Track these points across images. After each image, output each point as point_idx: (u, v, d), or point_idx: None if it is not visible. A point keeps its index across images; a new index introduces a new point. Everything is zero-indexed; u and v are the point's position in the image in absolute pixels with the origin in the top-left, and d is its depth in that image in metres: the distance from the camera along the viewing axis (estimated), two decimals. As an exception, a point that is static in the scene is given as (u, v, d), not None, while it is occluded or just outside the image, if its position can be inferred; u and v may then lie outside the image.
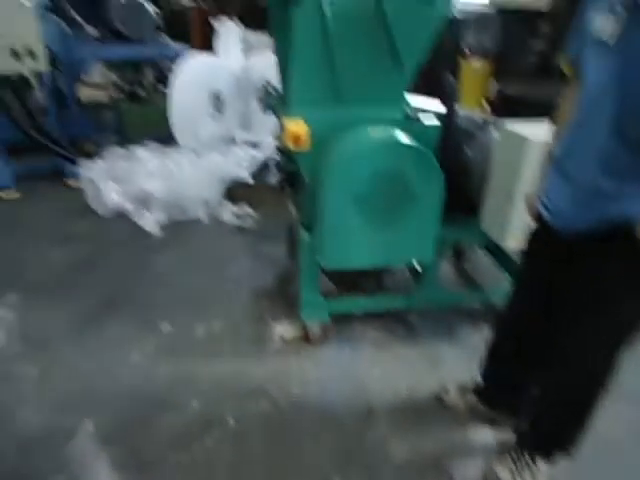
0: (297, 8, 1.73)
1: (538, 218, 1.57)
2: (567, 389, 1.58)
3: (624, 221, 1.29)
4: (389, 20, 1.76)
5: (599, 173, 1.31)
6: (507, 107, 4.20)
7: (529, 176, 1.88)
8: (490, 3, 5.04)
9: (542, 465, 1.67)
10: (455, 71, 5.19)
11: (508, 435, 1.89)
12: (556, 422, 1.63)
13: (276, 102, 2.22)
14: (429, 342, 2.45)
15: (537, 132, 1.93)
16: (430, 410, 2.05)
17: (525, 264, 1.71)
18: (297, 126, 1.86)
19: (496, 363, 1.92)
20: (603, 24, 1.25)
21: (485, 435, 1.95)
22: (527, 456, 1.68)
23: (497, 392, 1.93)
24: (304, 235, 2.14)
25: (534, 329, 1.70)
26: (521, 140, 1.94)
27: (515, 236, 2.06)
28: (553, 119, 1.61)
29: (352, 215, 1.89)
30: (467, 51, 5.31)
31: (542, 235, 1.56)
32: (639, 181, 1.27)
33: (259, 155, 4.04)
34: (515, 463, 1.68)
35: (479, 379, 1.99)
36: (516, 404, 1.85)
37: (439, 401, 2.06)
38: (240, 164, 3.92)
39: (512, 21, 4.98)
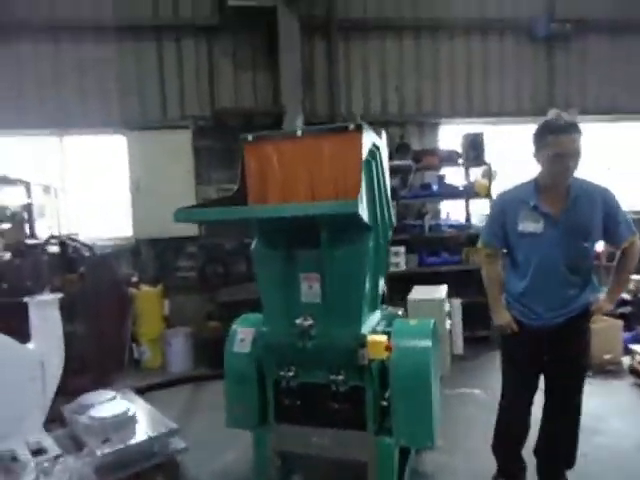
0: (371, 230, 2.18)
1: (516, 330, 2.66)
2: (571, 426, 2.67)
3: (585, 305, 2.63)
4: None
5: (566, 289, 2.58)
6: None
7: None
8: (134, 234, 5.62)
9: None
10: (123, 300, 5.36)
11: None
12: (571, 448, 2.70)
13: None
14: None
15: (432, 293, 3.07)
16: None
17: (513, 360, 2.73)
18: (382, 337, 2.20)
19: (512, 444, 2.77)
20: (532, 226, 2.60)
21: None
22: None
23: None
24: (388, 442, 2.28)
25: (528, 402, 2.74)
26: (434, 301, 3.01)
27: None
28: (487, 274, 2.78)
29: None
30: (135, 279, 5.56)
31: (522, 338, 2.66)
32: (588, 284, 2.53)
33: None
34: None
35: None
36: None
37: None
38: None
39: (161, 246, 5.78)
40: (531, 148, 2.58)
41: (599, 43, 6.60)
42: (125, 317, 5.45)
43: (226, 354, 2.59)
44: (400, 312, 3.04)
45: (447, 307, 3.26)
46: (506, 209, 2.66)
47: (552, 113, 2.55)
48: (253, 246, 2.36)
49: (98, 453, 2.96)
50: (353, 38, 6.15)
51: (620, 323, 4.73)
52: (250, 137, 2.34)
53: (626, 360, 4.65)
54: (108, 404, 3.36)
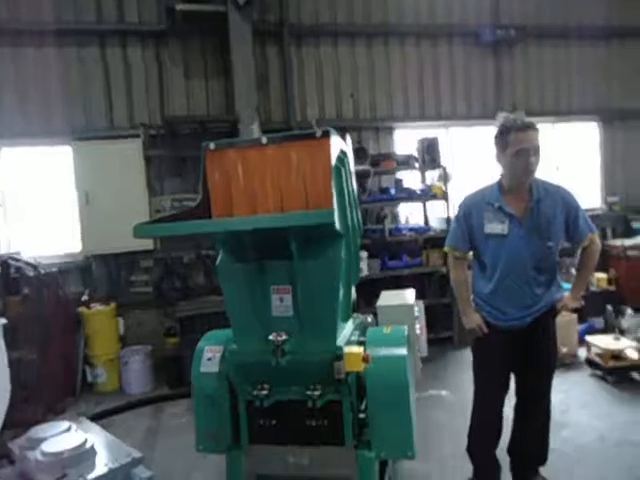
0: (342, 238, 2.11)
1: (487, 332, 2.67)
2: (543, 423, 2.74)
3: (551, 303, 2.68)
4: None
5: (533, 289, 2.62)
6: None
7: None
8: (83, 250, 5.31)
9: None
10: (71, 321, 5.05)
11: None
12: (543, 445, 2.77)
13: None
14: None
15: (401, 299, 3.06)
16: None
17: (484, 361, 2.74)
18: (358, 349, 2.15)
19: (486, 445, 2.78)
20: (498, 227, 2.62)
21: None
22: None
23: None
24: (368, 455, 2.22)
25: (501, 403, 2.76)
26: (405, 306, 2.99)
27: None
28: (455, 276, 2.79)
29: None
30: (85, 298, 5.24)
31: (492, 339, 2.68)
32: (554, 284, 2.60)
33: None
34: None
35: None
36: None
37: None
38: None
39: (113, 262, 5.49)
40: (492, 150, 2.62)
41: (541, 48, 6.89)
42: (75, 339, 5.13)
43: (193, 375, 2.44)
44: (370, 319, 2.99)
45: (416, 311, 3.25)
46: (472, 211, 2.68)
47: (501, 116, 2.61)
48: (218, 261, 2.23)
49: (54, 491, 2.74)
50: (306, 44, 6.11)
51: (575, 317, 4.91)
52: (212, 145, 2.21)
53: (582, 352, 4.83)
54: (62, 436, 3.10)
